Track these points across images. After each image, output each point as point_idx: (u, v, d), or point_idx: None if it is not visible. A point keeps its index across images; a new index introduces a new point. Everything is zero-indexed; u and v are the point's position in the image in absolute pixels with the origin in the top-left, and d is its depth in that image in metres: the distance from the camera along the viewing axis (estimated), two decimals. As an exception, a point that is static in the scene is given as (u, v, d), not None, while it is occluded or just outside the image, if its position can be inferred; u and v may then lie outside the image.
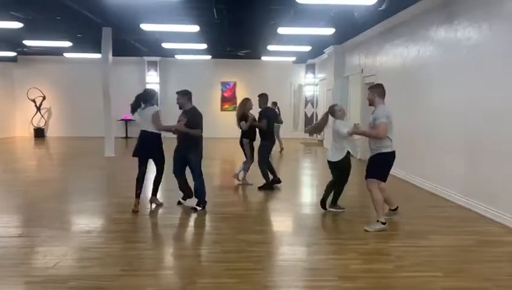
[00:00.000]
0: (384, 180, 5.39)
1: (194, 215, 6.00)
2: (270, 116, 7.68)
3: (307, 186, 8.99)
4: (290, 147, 14.61)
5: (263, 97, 7.82)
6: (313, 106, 18.07)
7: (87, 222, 5.63)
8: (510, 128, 5.38)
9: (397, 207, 5.72)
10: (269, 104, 8.56)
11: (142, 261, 4.27)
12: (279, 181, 7.81)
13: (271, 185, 7.63)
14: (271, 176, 7.71)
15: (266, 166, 7.63)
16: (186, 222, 5.86)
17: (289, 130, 17.94)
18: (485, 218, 5.77)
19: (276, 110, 12.59)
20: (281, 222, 5.94)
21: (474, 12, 6.34)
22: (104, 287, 3.62)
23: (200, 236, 5.15)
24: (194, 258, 4.42)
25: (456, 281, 3.82)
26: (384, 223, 5.22)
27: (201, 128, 6.08)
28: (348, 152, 5.89)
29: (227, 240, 4.89)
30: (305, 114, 18.31)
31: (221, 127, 17.52)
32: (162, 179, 6.30)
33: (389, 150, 5.19)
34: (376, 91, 5.30)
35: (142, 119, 6.09)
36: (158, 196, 6.41)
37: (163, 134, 6.22)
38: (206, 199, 6.19)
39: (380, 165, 5.31)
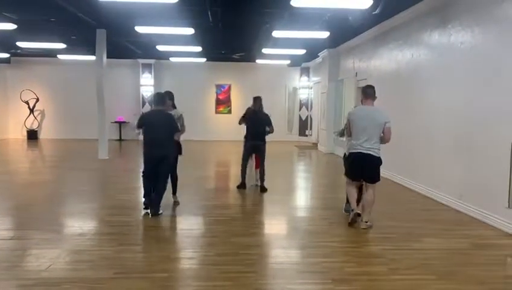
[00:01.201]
0: (351, 179, 5.57)
1: (187, 218, 5.99)
2: (249, 118, 7.68)
3: (301, 189, 9.00)
4: (284, 150, 14.64)
5: (254, 100, 7.86)
6: (307, 109, 18.10)
7: (80, 225, 5.59)
8: (503, 130, 5.42)
9: (359, 214, 5.60)
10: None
11: (136, 264, 4.25)
12: (242, 186, 7.79)
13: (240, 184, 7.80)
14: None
15: (242, 164, 7.80)
16: (179, 224, 5.84)
17: (283, 133, 17.98)
18: (479, 221, 5.80)
19: None
20: (274, 225, 5.93)
21: (467, 17, 6.39)
22: (97, 290, 3.60)
23: (193, 239, 5.13)
24: (188, 260, 4.40)
25: (449, 284, 3.83)
26: (352, 210, 5.50)
27: (141, 130, 6.04)
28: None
29: (221, 243, 4.88)
30: (300, 117, 18.34)
31: (216, 130, 17.56)
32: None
33: (348, 151, 5.53)
34: (361, 92, 5.64)
35: None
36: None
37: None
38: (145, 202, 6.05)
39: (345, 164, 5.73)
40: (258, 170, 7.83)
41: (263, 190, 7.62)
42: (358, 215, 5.47)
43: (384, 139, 5.35)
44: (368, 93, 5.40)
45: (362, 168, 5.38)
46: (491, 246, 4.94)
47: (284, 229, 5.79)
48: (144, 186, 6.15)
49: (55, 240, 4.92)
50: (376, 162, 5.33)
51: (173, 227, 5.74)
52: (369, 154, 5.26)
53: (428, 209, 6.57)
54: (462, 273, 4.08)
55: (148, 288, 3.67)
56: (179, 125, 6.24)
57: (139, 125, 6.07)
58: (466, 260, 4.45)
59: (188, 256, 4.51)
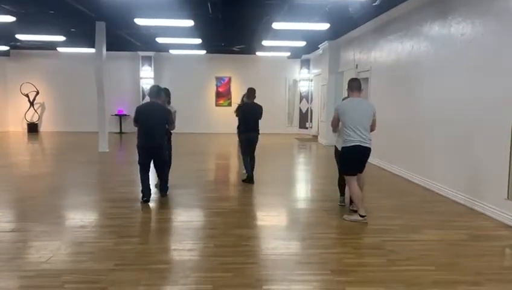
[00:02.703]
0: (351, 175, 5.44)
1: (187, 210, 6.02)
2: (244, 112, 7.80)
3: (301, 181, 9.01)
4: (284, 143, 14.64)
5: (249, 91, 7.91)
6: (307, 102, 18.07)
7: (80, 217, 5.62)
8: (502, 122, 5.41)
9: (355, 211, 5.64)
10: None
11: (136, 255, 4.27)
12: (250, 180, 7.75)
13: (247, 178, 7.78)
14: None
15: (244, 158, 7.87)
16: (179, 216, 5.87)
17: (284, 126, 17.98)
18: (477, 212, 5.83)
19: None
20: (274, 217, 5.95)
21: (468, 8, 6.36)
22: (98, 281, 3.62)
23: (193, 231, 5.15)
24: (188, 252, 4.42)
25: (448, 274, 3.85)
26: (362, 216, 5.32)
27: (137, 122, 6.25)
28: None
29: (221, 234, 4.90)
30: (300, 110, 18.32)
31: (216, 123, 17.54)
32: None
33: (346, 144, 5.36)
34: (347, 85, 5.63)
35: None
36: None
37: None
38: (142, 190, 6.30)
39: (341, 160, 5.64)
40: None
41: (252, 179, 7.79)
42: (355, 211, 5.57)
43: (372, 129, 5.51)
44: (354, 86, 5.49)
45: (361, 161, 5.49)
46: (490, 237, 4.96)
47: (284, 221, 5.81)
48: (140, 178, 6.31)
49: (55, 232, 4.95)
50: (370, 153, 5.49)
51: (173, 219, 5.76)
52: (368, 147, 5.36)
53: (427, 201, 6.59)
54: (461, 264, 4.10)
55: (148, 279, 3.69)
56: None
57: (136, 120, 6.29)
58: (464, 251, 4.47)
59: (188, 248, 4.53)
